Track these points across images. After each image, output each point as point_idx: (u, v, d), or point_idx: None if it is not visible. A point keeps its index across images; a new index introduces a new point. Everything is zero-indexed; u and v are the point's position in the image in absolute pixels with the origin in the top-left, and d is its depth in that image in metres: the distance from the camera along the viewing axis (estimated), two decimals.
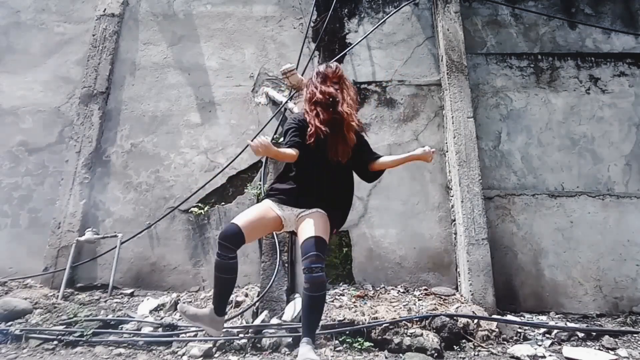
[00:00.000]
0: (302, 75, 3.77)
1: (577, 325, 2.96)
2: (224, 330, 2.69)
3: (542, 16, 4.27)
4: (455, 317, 2.80)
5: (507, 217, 3.62)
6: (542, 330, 2.89)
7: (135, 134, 4.02)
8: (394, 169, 3.77)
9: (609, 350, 2.63)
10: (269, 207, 2.05)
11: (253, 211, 2.02)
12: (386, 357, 2.52)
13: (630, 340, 2.81)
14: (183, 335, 2.71)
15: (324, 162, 2.04)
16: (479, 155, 3.64)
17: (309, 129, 2.04)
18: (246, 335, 2.67)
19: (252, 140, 1.78)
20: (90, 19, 4.39)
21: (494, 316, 3.01)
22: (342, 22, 4.36)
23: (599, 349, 2.65)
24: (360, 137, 2.18)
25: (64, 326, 2.79)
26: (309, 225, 1.95)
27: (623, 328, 3.00)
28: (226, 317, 2.20)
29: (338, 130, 2.05)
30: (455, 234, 3.58)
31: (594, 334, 2.82)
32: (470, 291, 3.21)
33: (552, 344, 2.73)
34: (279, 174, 2.20)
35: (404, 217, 3.68)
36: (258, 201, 3.70)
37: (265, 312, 2.90)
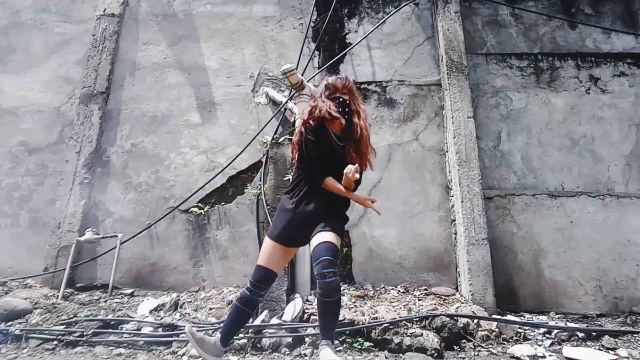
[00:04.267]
0: (302, 75, 3.77)
1: (577, 325, 2.96)
2: None
3: (542, 16, 4.27)
4: (455, 317, 2.79)
5: (507, 217, 3.62)
6: (542, 330, 2.89)
7: (135, 134, 4.02)
8: (394, 169, 3.80)
9: (609, 350, 2.62)
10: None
11: (270, 248, 2.03)
12: (386, 357, 2.52)
13: (630, 340, 2.81)
14: (183, 335, 2.71)
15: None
16: (479, 155, 3.64)
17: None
18: (246, 335, 2.67)
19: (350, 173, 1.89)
20: (90, 19, 4.39)
21: (494, 316, 3.01)
22: (342, 22, 4.36)
23: (599, 349, 2.65)
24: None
25: (64, 326, 2.78)
26: (320, 234, 1.96)
27: (623, 328, 3.00)
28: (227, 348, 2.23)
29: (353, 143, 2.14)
30: (455, 234, 3.58)
31: (594, 334, 2.82)
32: (470, 291, 3.21)
33: (552, 344, 2.73)
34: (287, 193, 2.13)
35: (404, 217, 3.68)
36: (258, 201, 3.70)
37: (265, 312, 2.90)
